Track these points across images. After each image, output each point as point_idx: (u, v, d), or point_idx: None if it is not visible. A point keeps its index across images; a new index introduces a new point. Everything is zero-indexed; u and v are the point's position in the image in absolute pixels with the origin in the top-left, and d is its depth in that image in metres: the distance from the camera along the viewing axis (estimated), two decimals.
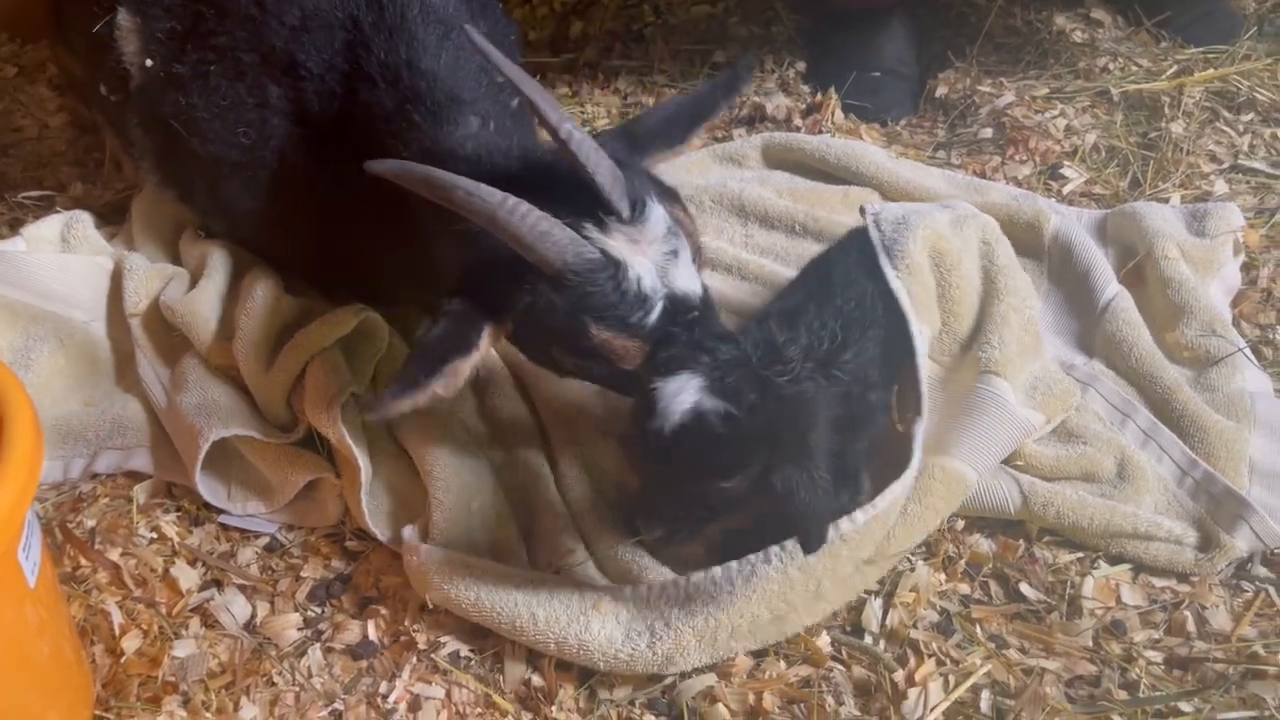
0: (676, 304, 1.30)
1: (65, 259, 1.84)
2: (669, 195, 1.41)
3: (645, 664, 1.29)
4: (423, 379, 1.26)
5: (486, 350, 1.33)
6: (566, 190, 1.28)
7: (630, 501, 1.43)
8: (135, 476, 1.62)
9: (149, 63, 1.67)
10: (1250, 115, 2.18)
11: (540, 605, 1.32)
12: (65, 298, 1.79)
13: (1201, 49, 2.34)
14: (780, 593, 1.30)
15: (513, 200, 1.22)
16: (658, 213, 1.29)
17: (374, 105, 1.51)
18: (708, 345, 1.25)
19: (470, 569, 1.36)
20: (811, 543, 1.23)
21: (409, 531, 1.44)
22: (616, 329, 1.28)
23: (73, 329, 1.76)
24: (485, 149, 1.44)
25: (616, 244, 1.27)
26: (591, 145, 1.26)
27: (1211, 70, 2.27)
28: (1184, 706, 1.25)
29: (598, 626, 1.31)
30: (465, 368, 1.30)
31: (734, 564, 1.31)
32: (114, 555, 1.49)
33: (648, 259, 1.28)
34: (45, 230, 1.86)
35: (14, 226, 2.07)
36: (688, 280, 1.31)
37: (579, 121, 2.36)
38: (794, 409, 1.24)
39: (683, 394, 1.20)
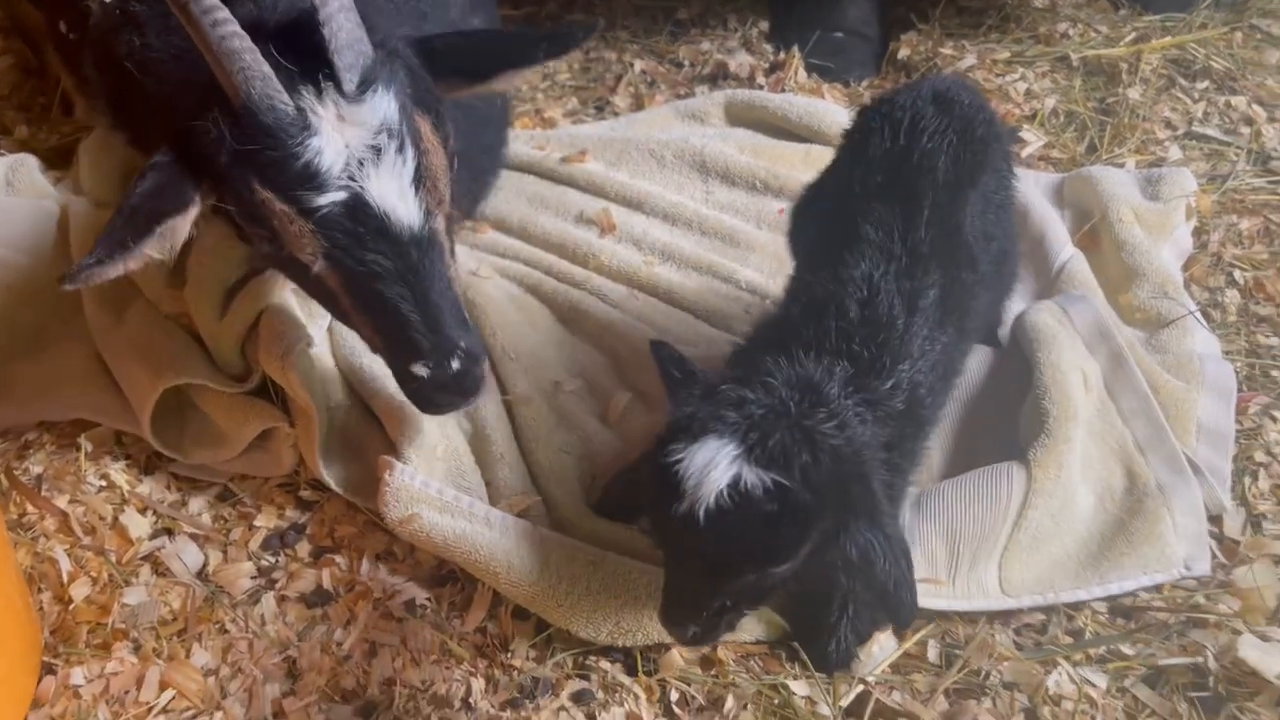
0: (368, 216, 1.16)
1: (10, 202, 1.81)
2: (430, 111, 1.26)
3: (604, 641, 1.30)
4: (132, 242, 1.15)
5: (206, 205, 1.21)
6: (312, 50, 1.16)
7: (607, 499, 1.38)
8: (82, 424, 1.59)
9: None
10: (1205, 83, 2.21)
11: (518, 555, 1.32)
12: (9, 241, 1.75)
13: (1160, 16, 2.36)
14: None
15: (214, 3, 1.10)
16: (385, 106, 1.17)
17: None
18: (732, 396, 1.02)
19: (448, 505, 1.36)
20: (904, 615, 1.05)
21: (387, 457, 1.43)
22: (281, 196, 1.15)
23: (18, 273, 1.72)
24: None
25: (323, 113, 1.14)
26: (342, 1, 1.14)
27: (1169, 38, 2.29)
28: (1126, 649, 1.28)
29: (564, 594, 1.31)
30: (181, 226, 1.19)
31: None
32: (62, 503, 1.47)
33: (342, 139, 1.15)
34: None
35: None
36: (392, 195, 1.17)
37: (540, 76, 2.33)
38: (852, 464, 1.02)
39: (715, 467, 0.96)
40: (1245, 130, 2.10)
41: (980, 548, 1.31)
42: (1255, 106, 2.15)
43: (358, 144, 1.15)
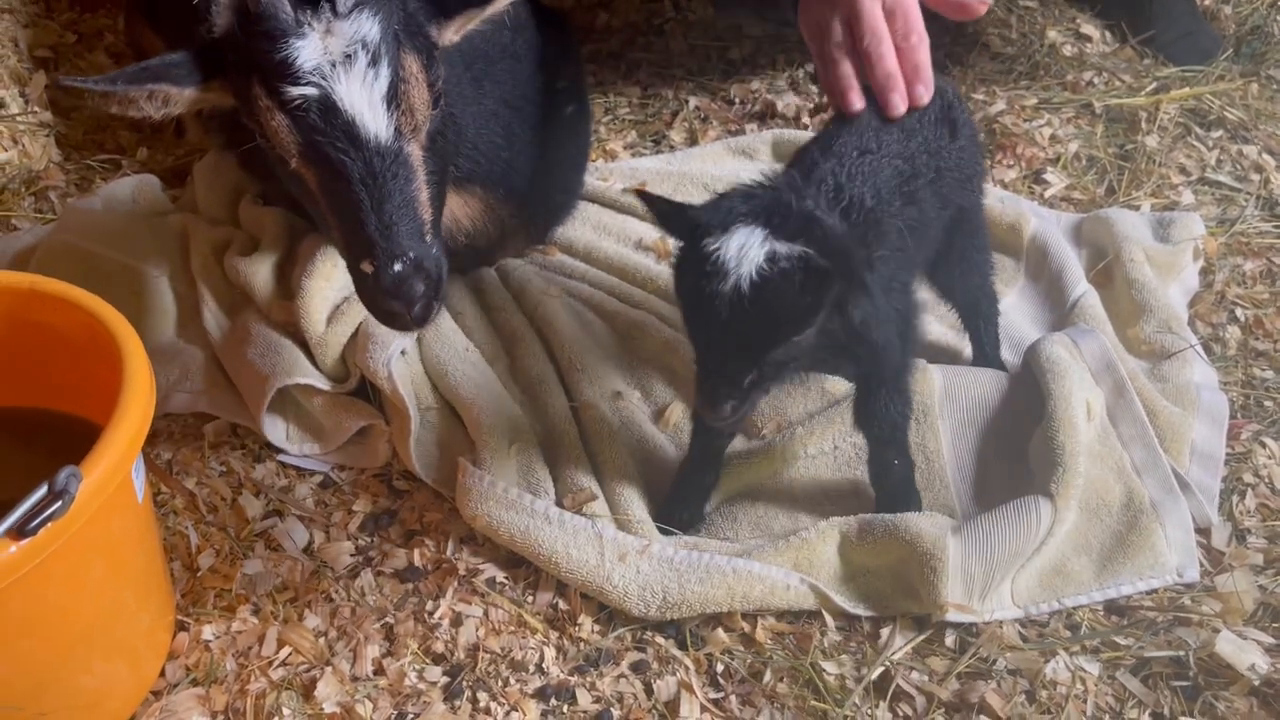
0: (336, 116, 1.33)
1: (135, 218, 2.03)
2: (416, 45, 1.42)
3: (653, 617, 1.49)
4: (123, 83, 1.35)
5: (202, 96, 1.40)
6: None
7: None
8: (203, 417, 1.81)
9: None
10: (1219, 132, 2.37)
11: (575, 547, 1.52)
12: (136, 253, 1.97)
13: (1180, 68, 2.53)
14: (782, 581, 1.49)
15: None
16: (367, 25, 1.34)
17: None
18: (740, 193, 1.22)
19: (513, 502, 1.56)
20: (891, 365, 1.26)
21: (464, 458, 1.63)
22: (265, 89, 1.33)
23: (145, 280, 1.94)
24: None
25: (315, 25, 1.33)
26: None
27: (1187, 89, 2.46)
28: (1120, 639, 1.45)
29: (618, 577, 1.50)
30: (174, 96, 1.38)
31: (752, 547, 1.52)
32: (189, 484, 1.69)
33: (322, 44, 1.33)
34: (118, 190, 2.05)
35: (81, 186, 2.26)
36: (361, 102, 1.33)
37: (602, 110, 2.54)
38: (845, 241, 1.22)
39: (750, 246, 1.14)
40: (1255, 177, 2.27)
41: (1009, 569, 1.49)
42: (1265, 155, 2.31)
43: (336, 51, 1.33)
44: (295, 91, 1.32)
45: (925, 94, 1.58)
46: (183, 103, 1.40)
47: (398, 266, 1.36)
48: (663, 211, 1.32)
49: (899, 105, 1.55)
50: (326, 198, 1.40)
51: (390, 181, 1.37)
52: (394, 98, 1.37)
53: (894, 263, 1.42)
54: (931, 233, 1.56)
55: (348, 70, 1.33)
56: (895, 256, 1.42)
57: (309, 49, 1.32)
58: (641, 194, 1.38)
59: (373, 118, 1.35)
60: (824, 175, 1.39)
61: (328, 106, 1.33)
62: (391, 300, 1.38)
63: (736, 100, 2.57)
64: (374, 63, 1.34)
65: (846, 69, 1.60)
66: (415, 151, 1.41)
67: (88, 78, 1.35)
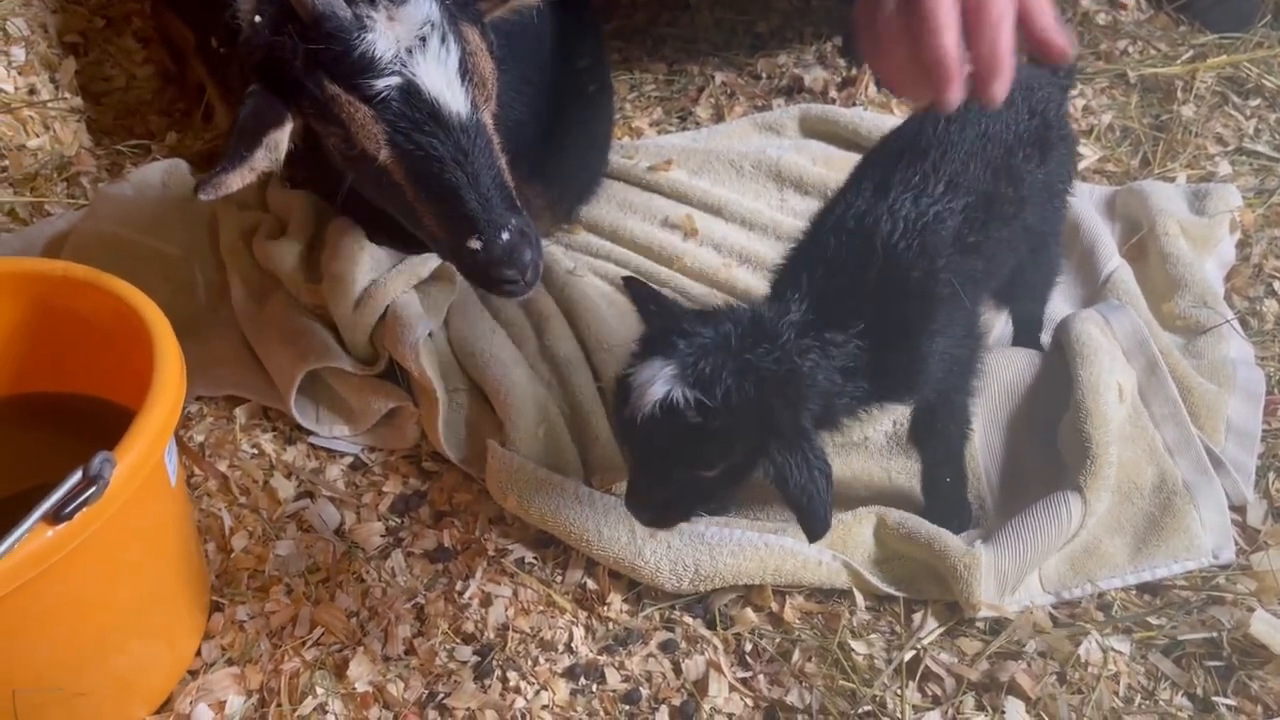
0: (420, 101, 1.34)
1: (165, 202, 2.04)
2: (469, 16, 1.45)
3: (686, 591, 1.50)
4: (246, 152, 1.37)
5: (298, 121, 1.42)
6: None
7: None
8: (234, 400, 1.83)
9: (258, 19, 1.83)
10: (1257, 101, 2.32)
11: (606, 525, 1.52)
12: (167, 237, 1.99)
13: (1217, 35, 2.47)
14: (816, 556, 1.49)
15: None
16: (426, 6, 1.36)
17: None
18: (686, 329, 1.19)
19: (542, 482, 1.56)
20: (816, 529, 1.18)
21: (492, 440, 1.64)
22: (345, 86, 1.35)
23: (175, 266, 1.96)
24: None
25: (375, 15, 1.35)
26: None
27: (1224, 56, 2.40)
28: (1153, 620, 1.44)
29: (649, 552, 1.51)
30: (281, 139, 1.41)
31: (786, 525, 1.52)
32: (222, 467, 1.70)
33: (391, 33, 1.35)
34: (148, 175, 2.06)
35: (112, 171, 2.28)
36: (440, 83, 1.36)
37: (628, 87, 2.53)
38: (780, 390, 1.18)
39: (655, 383, 1.14)
40: None
41: (1040, 563, 1.48)
42: None
43: (405, 37, 1.35)
44: (380, 84, 1.34)
45: (1000, 91, 1.17)
46: (286, 136, 1.42)
47: (506, 235, 1.40)
48: (649, 310, 1.28)
49: (952, 101, 1.15)
50: (419, 185, 1.41)
51: (478, 156, 1.39)
52: (465, 72, 1.39)
53: (948, 317, 1.34)
54: (1001, 271, 1.48)
55: (423, 53, 1.35)
56: (950, 314, 1.34)
57: (382, 41, 1.34)
58: (628, 281, 1.35)
59: (452, 96, 1.38)
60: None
61: (411, 92, 1.35)
62: (506, 269, 1.41)
63: (763, 75, 2.54)
64: (443, 41, 1.37)
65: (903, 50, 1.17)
66: (489, 122, 1.44)
67: (218, 170, 1.36)
